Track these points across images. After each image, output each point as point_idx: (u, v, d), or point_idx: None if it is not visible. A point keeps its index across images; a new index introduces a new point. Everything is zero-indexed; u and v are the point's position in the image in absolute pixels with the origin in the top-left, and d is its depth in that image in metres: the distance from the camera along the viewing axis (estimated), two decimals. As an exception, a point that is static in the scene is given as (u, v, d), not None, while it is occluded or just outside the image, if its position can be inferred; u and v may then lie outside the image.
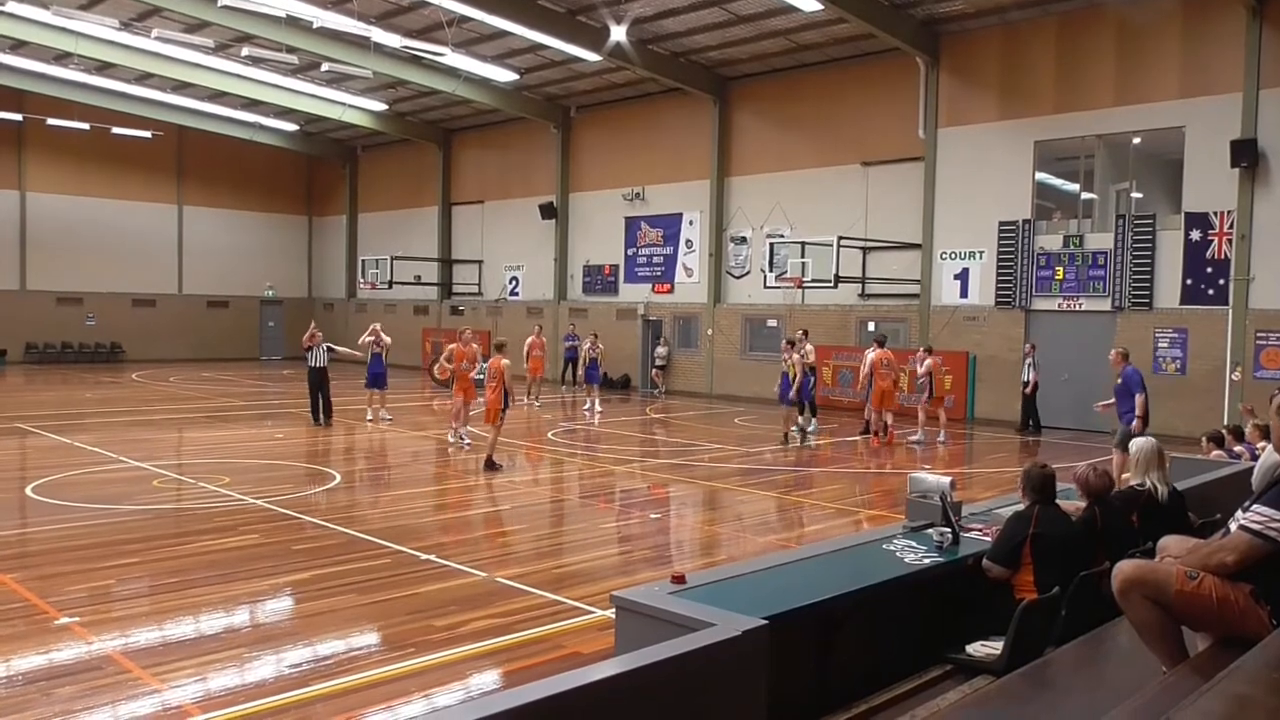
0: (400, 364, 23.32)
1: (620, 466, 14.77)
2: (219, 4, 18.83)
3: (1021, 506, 5.26)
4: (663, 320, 27.56)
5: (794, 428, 17.58)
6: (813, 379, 18.93)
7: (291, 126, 35.13)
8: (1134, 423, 12.47)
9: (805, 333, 19.68)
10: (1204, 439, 11.07)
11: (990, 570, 5.02)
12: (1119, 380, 12.87)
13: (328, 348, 18.50)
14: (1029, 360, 19.17)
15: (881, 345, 17.97)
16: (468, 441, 15.94)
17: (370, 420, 18.86)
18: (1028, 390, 19.18)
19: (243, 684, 5.93)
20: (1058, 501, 5.27)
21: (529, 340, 23.81)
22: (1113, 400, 13.05)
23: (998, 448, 17.88)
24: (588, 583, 8.28)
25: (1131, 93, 19.09)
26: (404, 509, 11.67)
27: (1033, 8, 19.93)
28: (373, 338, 19.09)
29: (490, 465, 13.89)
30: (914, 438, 17.44)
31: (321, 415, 18.43)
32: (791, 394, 17.21)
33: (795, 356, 17.16)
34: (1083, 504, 5.52)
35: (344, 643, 6.69)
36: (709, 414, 22.04)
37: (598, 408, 21.81)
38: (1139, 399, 12.56)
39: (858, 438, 18.16)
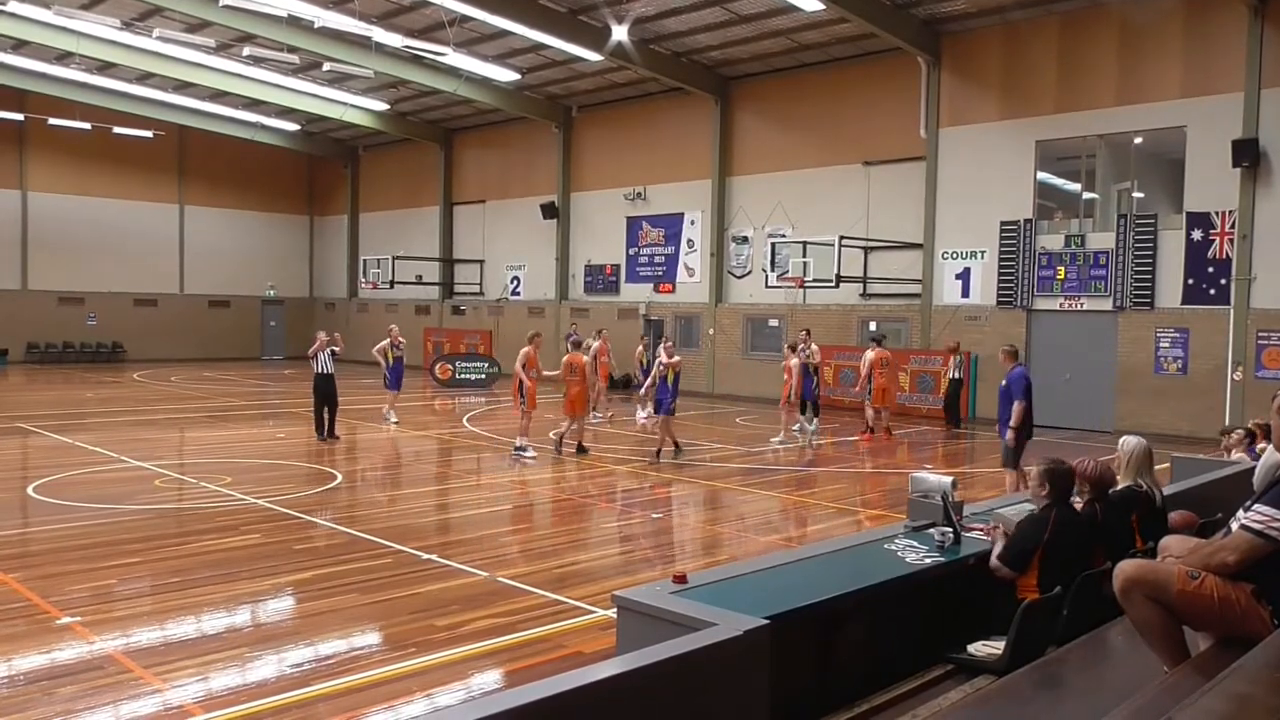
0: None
1: (622, 466, 14.76)
2: (220, 4, 18.87)
3: (1035, 507, 5.14)
4: (664, 320, 27.55)
5: (671, 447, 15.12)
6: (815, 379, 18.96)
7: (293, 126, 35.13)
8: (1008, 434, 11.02)
9: (808, 332, 19.68)
10: (1235, 433, 10.78)
11: (999, 571, 4.95)
12: (1004, 382, 11.29)
13: (332, 351, 16.76)
14: (955, 358, 19.36)
15: (879, 344, 18.45)
16: (532, 454, 14.97)
17: (386, 421, 18.64)
18: (947, 387, 19.31)
19: (244, 683, 5.94)
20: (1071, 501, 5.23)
21: (594, 345, 20.35)
22: (1012, 430, 11.07)
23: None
24: (589, 582, 8.28)
25: (1133, 92, 19.08)
26: (405, 509, 11.68)
27: (1034, 7, 19.92)
28: (389, 340, 19.08)
29: (581, 449, 15.11)
30: (776, 439, 17.33)
31: (326, 430, 16.65)
32: (643, 391, 15.49)
33: (676, 359, 15.36)
34: (1081, 500, 5.51)
35: (345, 642, 6.70)
36: (710, 413, 22.02)
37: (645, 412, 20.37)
38: (1017, 406, 10.93)
39: (857, 437, 18.16)
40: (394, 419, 19.03)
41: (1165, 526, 5.62)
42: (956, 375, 19.64)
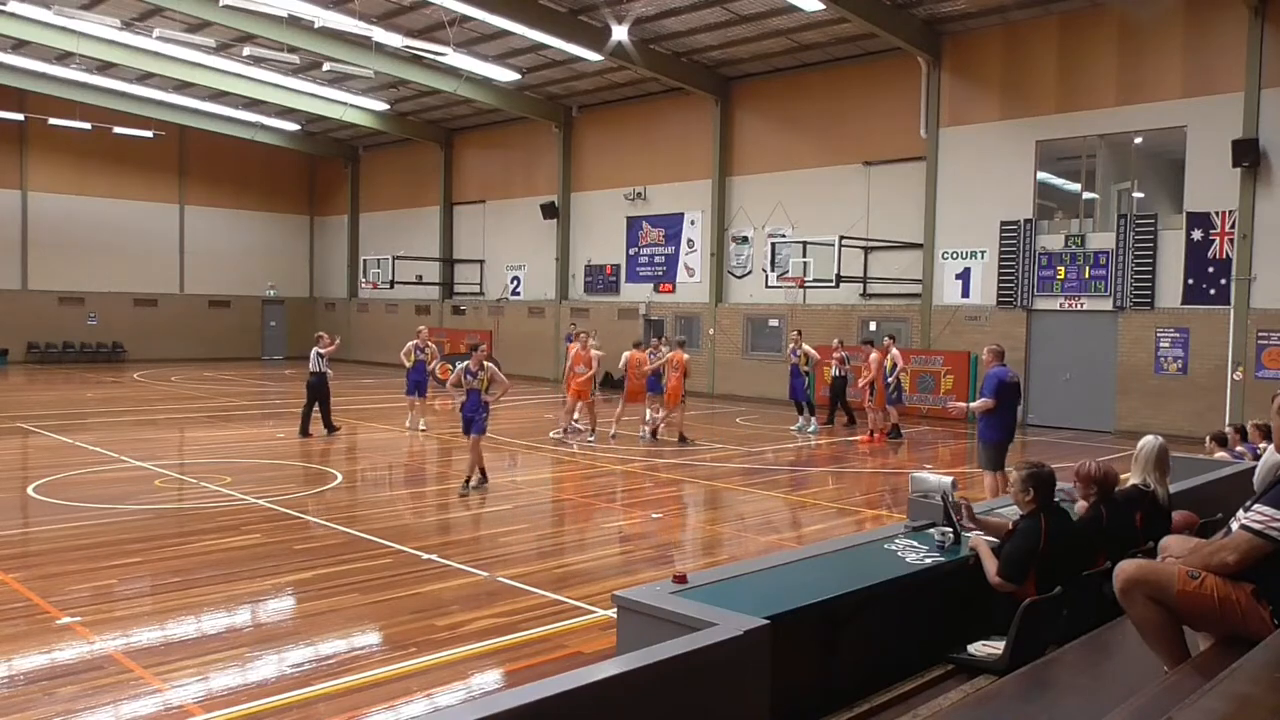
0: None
1: (621, 466, 14.76)
2: (220, 4, 18.85)
3: (1023, 513, 5.06)
4: (664, 320, 27.52)
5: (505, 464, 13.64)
6: (807, 380, 19.01)
7: (293, 126, 35.13)
8: (960, 407, 11.70)
9: (800, 333, 19.71)
10: (1208, 439, 11.02)
11: (1001, 588, 4.86)
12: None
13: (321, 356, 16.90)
14: (838, 354, 19.55)
15: (872, 345, 18.93)
16: (581, 428, 17.58)
17: (410, 428, 18.07)
18: (833, 383, 19.32)
19: (245, 683, 5.94)
20: (1058, 503, 5.19)
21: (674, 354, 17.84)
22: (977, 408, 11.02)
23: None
24: (589, 582, 8.28)
25: (1133, 92, 19.07)
26: (405, 508, 11.68)
27: (1034, 7, 19.91)
28: (416, 342, 18.34)
29: (683, 440, 16.69)
30: (590, 437, 17.35)
31: (310, 426, 16.89)
32: (484, 421, 12.40)
33: (491, 366, 12.42)
34: (1085, 502, 5.49)
35: (346, 642, 6.70)
36: (710, 414, 22.01)
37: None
38: (983, 400, 10.78)
39: (858, 438, 18.16)
40: (418, 424, 18.14)
41: (1168, 526, 5.62)
42: (839, 373, 19.62)
